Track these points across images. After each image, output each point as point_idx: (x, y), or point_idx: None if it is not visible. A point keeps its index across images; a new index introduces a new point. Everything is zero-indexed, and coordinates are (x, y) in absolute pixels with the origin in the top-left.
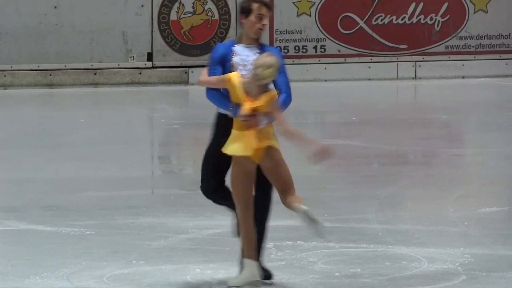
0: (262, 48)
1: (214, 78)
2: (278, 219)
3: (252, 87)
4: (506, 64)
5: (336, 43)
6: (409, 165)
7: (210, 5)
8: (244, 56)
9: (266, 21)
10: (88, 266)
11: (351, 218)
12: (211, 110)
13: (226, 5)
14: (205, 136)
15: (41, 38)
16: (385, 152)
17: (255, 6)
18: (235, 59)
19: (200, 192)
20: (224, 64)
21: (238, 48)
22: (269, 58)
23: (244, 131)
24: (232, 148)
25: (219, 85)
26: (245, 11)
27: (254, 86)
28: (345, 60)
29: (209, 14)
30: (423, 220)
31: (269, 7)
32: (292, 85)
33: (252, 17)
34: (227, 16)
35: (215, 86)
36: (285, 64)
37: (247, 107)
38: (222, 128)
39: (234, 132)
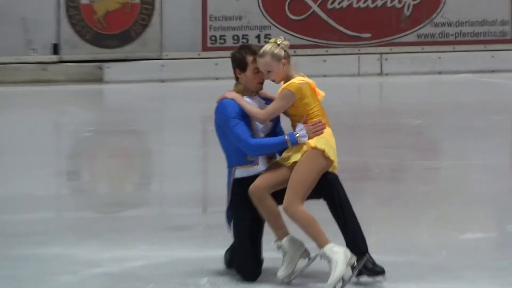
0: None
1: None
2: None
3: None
4: (492, 56)
5: (284, 31)
6: (373, 181)
7: None
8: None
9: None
10: None
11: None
12: (129, 114)
13: None
14: (124, 145)
15: None
16: (344, 165)
17: (250, 59)
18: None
19: (118, 216)
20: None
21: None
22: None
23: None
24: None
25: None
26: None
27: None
28: (295, 52)
29: None
30: (390, 249)
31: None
32: (230, 83)
33: (248, 72)
34: None
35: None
36: (222, 58)
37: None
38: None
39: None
